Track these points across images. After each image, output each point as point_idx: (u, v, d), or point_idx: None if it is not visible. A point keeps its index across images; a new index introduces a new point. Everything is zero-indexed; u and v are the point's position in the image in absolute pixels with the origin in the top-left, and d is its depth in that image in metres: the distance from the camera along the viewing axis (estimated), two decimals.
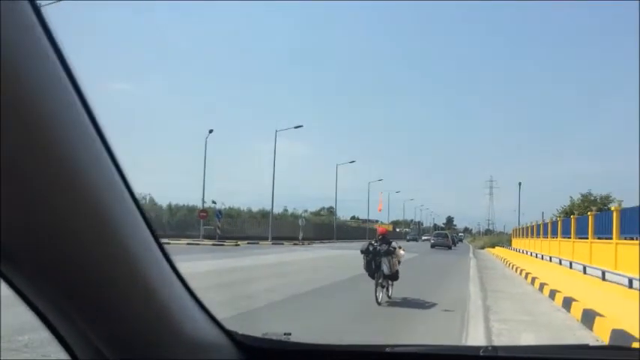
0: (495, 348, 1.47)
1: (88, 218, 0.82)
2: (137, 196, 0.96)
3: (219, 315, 1.31)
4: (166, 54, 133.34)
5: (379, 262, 10.29)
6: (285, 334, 1.52)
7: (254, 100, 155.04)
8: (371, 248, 10.51)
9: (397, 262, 10.67)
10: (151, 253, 1.00)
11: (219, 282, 13.13)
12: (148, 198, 51.84)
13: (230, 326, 1.35)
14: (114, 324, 0.97)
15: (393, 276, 10.64)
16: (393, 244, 10.85)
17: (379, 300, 10.26)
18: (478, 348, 1.44)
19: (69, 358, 1.05)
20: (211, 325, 1.25)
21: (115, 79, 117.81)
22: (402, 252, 11.02)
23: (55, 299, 0.91)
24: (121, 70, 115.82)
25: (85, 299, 0.91)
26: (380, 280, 10.36)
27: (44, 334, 1.04)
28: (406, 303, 10.78)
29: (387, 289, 10.70)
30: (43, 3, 0.81)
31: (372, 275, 10.48)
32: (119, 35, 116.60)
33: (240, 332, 1.40)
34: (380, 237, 10.95)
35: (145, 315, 1.01)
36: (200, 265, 17.60)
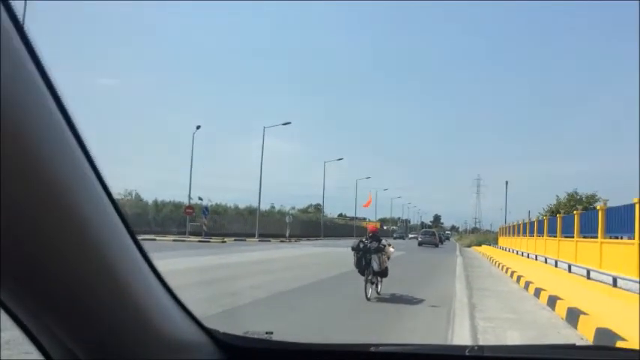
0: (481, 347, 1.45)
1: (57, 216, 0.78)
2: (113, 190, 0.92)
3: (200, 313, 1.28)
4: (153, 49, 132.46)
5: (369, 259, 10.51)
6: (266, 332, 1.48)
7: (242, 96, 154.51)
8: (361, 245, 10.72)
9: (386, 259, 10.94)
10: (126, 251, 0.96)
11: (203, 279, 13.06)
12: (133, 194, 51.53)
13: (213, 324, 1.32)
14: (85, 324, 0.93)
15: (383, 273, 10.86)
16: (383, 241, 11.10)
17: (368, 296, 10.46)
18: (464, 347, 1.41)
19: (42, 357, 1.01)
20: (191, 323, 1.21)
21: (101, 74, 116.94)
22: (391, 249, 11.35)
23: (23, 298, 0.87)
24: (107, 66, 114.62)
25: (54, 299, 0.87)
26: (369, 277, 10.57)
27: None
28: (394, 299, 10.93)
29: (377, 286, 10.91)
30: None
31: (361, 272, 10.70)
32: (105, 30, 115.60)
33: (222, 331, 1.37)
34: (370, 234, 11.22)
35: (119, 314, 0.97)
36: (185, 262, 17.50)
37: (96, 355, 0.97)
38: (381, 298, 10.76)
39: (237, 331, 1.48)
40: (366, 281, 10.57)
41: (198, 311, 1.25)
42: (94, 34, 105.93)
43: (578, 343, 7.28)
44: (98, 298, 0.91)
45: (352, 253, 10.86)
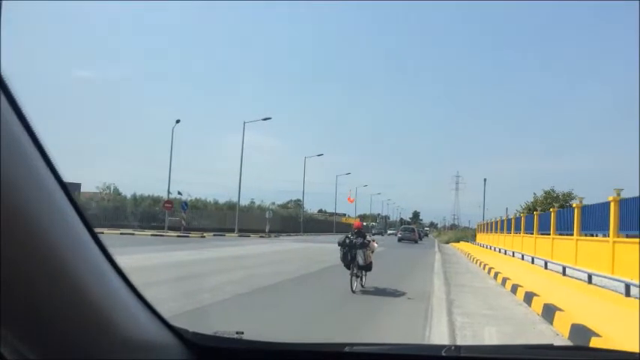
0: (458, 347, 1.42)
1: (3, 209, 0.71)
2: (66, 181, 0.86)
3: (176, 309, 1.23)
4: (132, 41, 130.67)
5: (354, 254, 11.06)
6: (237, 332, 1.43)
7: (222, 91, 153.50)
8: (347, 241, 11.24)
9: (371, 254, 11.49)
10: (83, 249, 0.90)
11: (179, 275, 12.92)
12: (112, 188, 51.06)
13: (185, 323, 1.27)
14: (34, 324, 0.87)
15: (367, 267, 11.44)
16: (368, 237, 11.71)
17: (354, 289, 10.96)
18: (440, 347, 1.37)
19: None
20: (156, 323, 1.15)
21: (77, 66, 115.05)
22: (375, 245, 11.98)
23: None
24: (84, 57, 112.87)
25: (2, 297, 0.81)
26: (355, 271, 11.12)
27: None
28: (378, 292, 11.32)
29: (361, 279, 11.45)
30: None
31: (347, 266, 11.23)
32: (82, 21, 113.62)
33: (194, 329, 1.31)
34: (355, 231, 11.68)
35: (73, 314, 0.91)
36: (162, 257, 17.34)
37: (49, 355, 0.91)
38: (365, 291, 11.19)
39: (211, 329, 1.43)
40: (352, 275, 11.07)
41: (174, 308, 1.20)
42: (71, 25, 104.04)
43: (554, 339, 7.37)
44: (48, 298, 0.85)
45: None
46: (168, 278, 11.64)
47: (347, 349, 1.35)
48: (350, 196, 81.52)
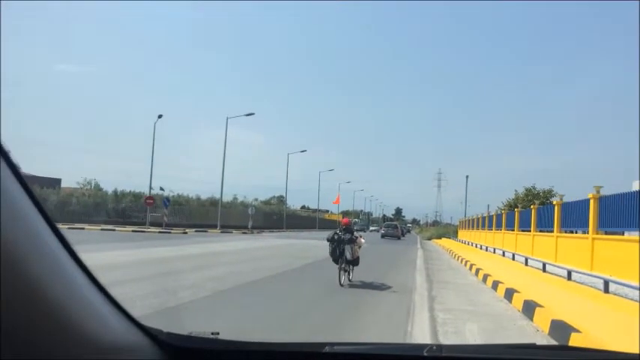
0: (440, 347, 1.39)
1: None
2: (25, 174, 0.80)
3: (153, 307, 1.18)
4: (115, 35, 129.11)
5: (343, 249, 11.65)
6: (212, 333, 1.38)
7: (205, 86, 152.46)
8: (336, 237, 11.86)
9: (358, 250, 12.00)
10: (43, 247, 0.85)
11: (160, 271, 12.79)
12: (93, 183, 50.46)
13: (161, 322, 1.21)
14: None
15: (355, 261, 11.92)
16: (355, 233, 12.26)
17: (342, 283, 11.43)
18: (422, 347, 1.34)
19: None
20: (126, 323, 1.10)
21: (59, 59, 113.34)
22: (362, 240, 12.47)
23: None
24: (66, 51, 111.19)
25: None
26: (343, 265, 11.64)
27: None
28: (364, 286, 11.76)
29: (349, 274, 11.93)
30: None
31: (335, 260, 11.78)
32: (63, 14, 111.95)
33: (168, 330, 1.26)
34: (344, 227, 12.27)
35: (32, 315, 0.85)
36: (142, 254, 17.14)
37: (7, 356, 0.85)
38: (352, 284, 11.65)
39: (189, 328, 1.39)
40: (340, 269, 11.58)
41: (155, 304, 1.15)
42: (53, 19, 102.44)
43: (534, 335, 7.41)
44: (4, 299, 0.80)
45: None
46: (148, 275, 11.49)
47: (327, 348, 1.31)
48: (338, 197, 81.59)
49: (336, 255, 11.71)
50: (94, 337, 0.98)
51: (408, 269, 17.42)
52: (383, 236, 51.31)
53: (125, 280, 9.89)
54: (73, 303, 0.93)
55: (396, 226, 57.32)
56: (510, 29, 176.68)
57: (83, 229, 33.73)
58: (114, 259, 14.72)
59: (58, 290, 0.89)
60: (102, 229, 34.33)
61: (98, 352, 0.98)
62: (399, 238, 51.62)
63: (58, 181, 53.35)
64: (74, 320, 0.93)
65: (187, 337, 1.32)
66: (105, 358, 1.01)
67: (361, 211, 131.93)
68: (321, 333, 7.01)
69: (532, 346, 1.62)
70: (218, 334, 1.38)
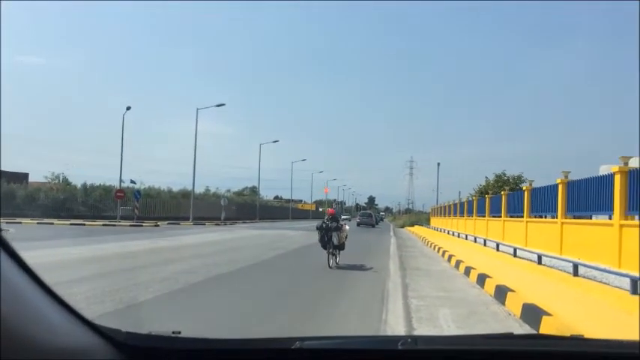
0: (415, 339, 1.33)
1: None
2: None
3: (124, 302, 1.09)
4: (83, 27, 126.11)
5: (330, 236, 13.15)
6: (173, 332, 1.30)
7: (175, 78, 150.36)
8: (324, 225, 13.39)
9: (344, 236, 13.71)
10: None
11: (129, 266, 12.51)
12: (61, 177, 49.31)
13: (123, 321, 1.14)
14: None
15: (341, 246, 13.58)
16: (341, 222, 13.99)
17: (330, 265, 13.05)
18: (396, 340, 1.28)
19: None
20: (77, 324, 1.02)
21: (25, 52, 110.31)
22: (347, 227, 14.26)
23: None
24: (33, 43, 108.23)
25: None
26: (331, 250, 13.22)
27: None
28: (350, 267, 13.34)
29: (336, 257, 13.47)
30: None
31: (324, 246, 13.31)
32: (28, 4, 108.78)
33: (127, 329, 1.19)
34: (330, 217, 13.88)
35: None
36: (111, 248, 16.82)
37: None
38: (339, 266, 13.22)
39: (152, 327, 1.31)
40: (328, 254, 13.21)
41: (125, 299, 1.07)
42: (16, 9, 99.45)
43: (506, 319, 7.48)
44: None
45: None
46: (116, 270, 11.28)
47: (297, 344, 1.25)
48: (326, 189, 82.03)
49: (325, 241, 13.20)
50: (40, 342, 0.89)
51: (381, 258, 17.47)
52: (358, 224, 53.31)
53: (92, 276, 9.70)
54: (16, 308, 0.84)
55: (370, 215, 59.83)
56: (477, 14, 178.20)
57: (52, 224, 33.05)
58: (81, 254, 14.41)
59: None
60: (71, 224, 33.65)
61: (45, 356, 0.90)
62: (373, 226, 53.88)
63: (25, 176, 52.02)
64: (20, 326, 0.85)
65: (147, 336, 1.24)
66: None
67: (334, 200, 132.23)
68: (298, 322, 6.98)
69: (508, 336, 1.58)
70: (179, 332, 1.31)
